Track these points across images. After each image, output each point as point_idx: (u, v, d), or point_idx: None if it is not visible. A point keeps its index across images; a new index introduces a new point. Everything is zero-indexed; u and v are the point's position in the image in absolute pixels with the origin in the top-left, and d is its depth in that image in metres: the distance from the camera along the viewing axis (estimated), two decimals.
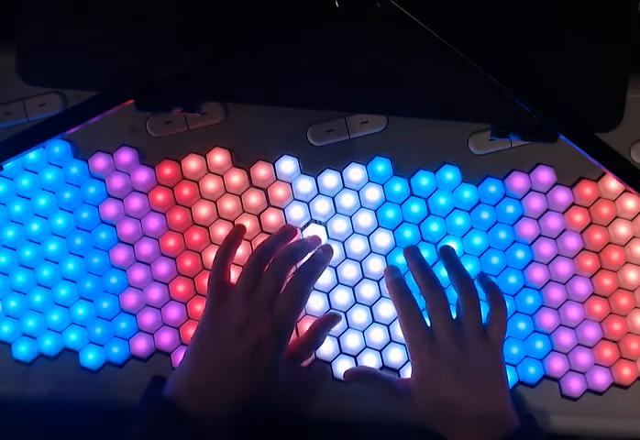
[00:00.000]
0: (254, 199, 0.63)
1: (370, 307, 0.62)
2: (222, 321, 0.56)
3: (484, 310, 0.58)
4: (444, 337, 0.56)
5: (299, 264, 0.59)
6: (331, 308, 0.62)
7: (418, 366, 0.56)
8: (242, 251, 0.62)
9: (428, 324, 0.57)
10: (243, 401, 0.55)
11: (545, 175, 0.63)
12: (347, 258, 0.62)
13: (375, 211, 0.63)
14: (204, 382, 0.54)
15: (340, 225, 0.62)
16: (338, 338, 0.62)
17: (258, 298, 0.56)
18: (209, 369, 0.55)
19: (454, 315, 0.58)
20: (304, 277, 0.58)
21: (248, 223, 0.62)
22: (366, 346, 0.61)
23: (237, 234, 0.60)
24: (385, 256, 0.62)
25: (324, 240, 0.62)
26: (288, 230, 0.61)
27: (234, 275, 0.61)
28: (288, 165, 0.63)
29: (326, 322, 0.60)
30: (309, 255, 0.60)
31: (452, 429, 0.56)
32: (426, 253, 0.62)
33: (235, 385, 0.54)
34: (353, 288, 0.62)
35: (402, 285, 0.59)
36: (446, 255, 0.60)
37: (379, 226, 0.63)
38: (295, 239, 0.61)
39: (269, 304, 0.55)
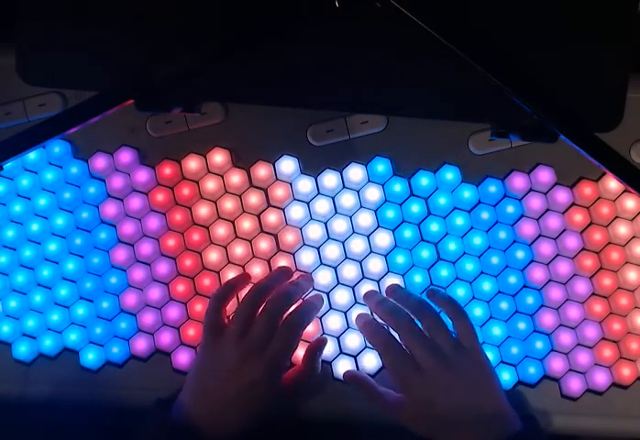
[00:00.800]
0: (254, 199, 0.63)
1: None
2: (217, 359, 0.57)
3: (449, 322, 0.58)
4: (430, 363, 0.56)
5: (292, 307, 0.59)
6: (331, 308, 0.62)
7: (411, 401, 0.56)
8: (242, 251, 0.62)
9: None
10: (243, 427, 0.57)
11: (545, 175, 0.63)
12: (346, 258, 0.62)
13: (375, 211, 0.63)
14: (207, 412, 0.56)
15: (340, 225, 0.62)
16: (338, 338, 0.62)
17: (250, 341, 0.56)
18: (208, 401, 0.56)
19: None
20: (296, 322, 0.58)
21: (247, 223, 0.63)
22: (366, 347, 0.61)
23: (240, 280, 0.61)
24: (385, 256, 0.62)
25: (322, 237, 0.62)
26: (283, 272, 0.61)
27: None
28: (288, 165, 0.63)
29: (316, 347, 0.60)
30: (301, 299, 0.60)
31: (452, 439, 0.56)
32: (426, 253, 0.62)
33: (234, 416, 0.56)
34: (353, 288, 0.62)
35: (373, 326, 0.59)
36: (391, 293, 0.60)
37: (379, 226, 0.63)
38: (289, 280, 0.61)
39: (261, 348, 0.56)
